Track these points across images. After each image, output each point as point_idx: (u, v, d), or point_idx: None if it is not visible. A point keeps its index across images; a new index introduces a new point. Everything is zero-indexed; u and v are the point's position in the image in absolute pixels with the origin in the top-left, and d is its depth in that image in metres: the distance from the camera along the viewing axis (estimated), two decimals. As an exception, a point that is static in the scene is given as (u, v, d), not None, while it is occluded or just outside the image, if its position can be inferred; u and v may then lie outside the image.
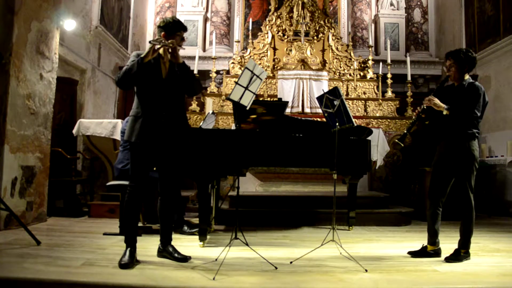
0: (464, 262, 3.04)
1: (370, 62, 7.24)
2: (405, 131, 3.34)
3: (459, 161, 3.13)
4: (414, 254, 3.25)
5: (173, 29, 2.98)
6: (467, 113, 3.06)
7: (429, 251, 3.24)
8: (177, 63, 2.95)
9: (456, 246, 3.16)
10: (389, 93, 6.98)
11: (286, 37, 7.40)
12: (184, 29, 3.05)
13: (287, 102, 4.51)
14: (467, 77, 3.20)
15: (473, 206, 3.11)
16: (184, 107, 3.15)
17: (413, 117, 3.38)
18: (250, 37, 7.65)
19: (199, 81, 3.18)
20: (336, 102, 3.37)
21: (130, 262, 2.76)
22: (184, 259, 2.95)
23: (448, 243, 3.36)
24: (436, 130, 3.31)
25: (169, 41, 2.89)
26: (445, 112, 3.09)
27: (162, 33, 2.98)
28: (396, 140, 3.33)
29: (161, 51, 2.92)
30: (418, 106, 3.36)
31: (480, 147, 6.95)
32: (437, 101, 3.14)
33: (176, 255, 2.97)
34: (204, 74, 8.57)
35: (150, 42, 2.86)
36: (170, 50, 2.91)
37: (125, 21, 8.20)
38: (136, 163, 2.96)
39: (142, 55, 2.84)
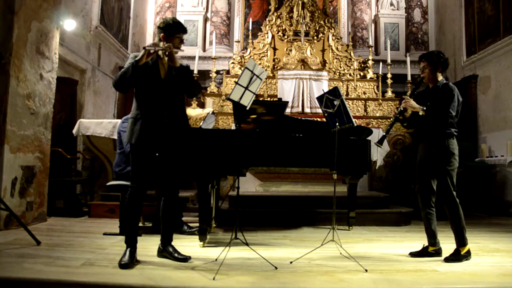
0: (464, 262, 3.04)
1: (370, 62, 7.23)
2: (384, 134, 3.39)
3: (438, 160, 3.17)
4: (415, 254, 3.26)
5: (172, 30, 2.96)
6: (443, 112, 3.11)
7: (430, 251, 3.25)
8: (174, 66, 2.92)
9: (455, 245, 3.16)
10: (389, 93, 6.96)
11: (286, 37, 7.39)
12: (184, 31, 3.03)
13: (287, 102, 4.51)
14: (440, 78, 3.30)
15: (457, 203, 3.13)
16: (184, 107, 3.14)
17: (391, 119, 3.42)
18: (250, 37, 7.63)
19: (198, 83, 3.17)
20: (336, 102, 3.37)
21: (130, 262, 2.77)
22: (184, 259, 2.95)
23: (448, 243, 3.36)
24: (416, 131, 3.37)
25: (165, 45, 2.84)
26: (421, 113, 3.17)
27: (162, 34, 2.96)
28: (375, 143, 3.37)
29: (159, 52, 2.89)
30: (396, 109, 3.42)
31: (480, 147, 6.98)
32: (412, 102, 3.23)
33: (176, 255, 2.97)
34: (204, 74, 8.56)
35: (144, 48, 2.81)
36: (166, 53, 2.88)
37: (125, 21, 8.20)
38: (137, 164, 2.96)
39: (136, 58, 2.82)
